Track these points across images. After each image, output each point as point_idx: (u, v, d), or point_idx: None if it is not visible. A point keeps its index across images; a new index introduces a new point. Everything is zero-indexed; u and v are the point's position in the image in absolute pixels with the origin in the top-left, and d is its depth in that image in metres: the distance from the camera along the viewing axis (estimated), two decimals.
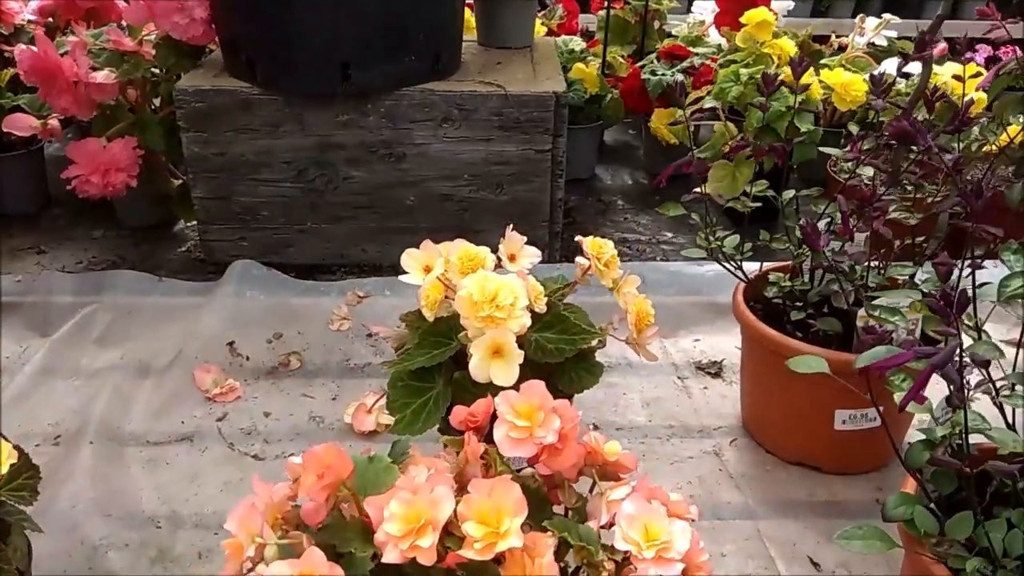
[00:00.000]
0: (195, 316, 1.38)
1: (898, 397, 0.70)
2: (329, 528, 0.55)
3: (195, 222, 1.70)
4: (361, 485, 0.57)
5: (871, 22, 2.08)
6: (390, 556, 0.51)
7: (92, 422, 1.14)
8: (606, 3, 2.28)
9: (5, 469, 0.65)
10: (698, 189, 1.57)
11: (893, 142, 0.86)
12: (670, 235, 1.83)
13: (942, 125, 0.99)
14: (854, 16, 4.36)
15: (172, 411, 1.19)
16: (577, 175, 2.06)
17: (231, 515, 0.56)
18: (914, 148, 1.09)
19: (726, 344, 1.36)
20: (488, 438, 0.66)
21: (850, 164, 1.04)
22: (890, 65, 1.90)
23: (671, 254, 1.75)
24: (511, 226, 0.99)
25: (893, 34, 2.10)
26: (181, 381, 1.24)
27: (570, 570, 0.58)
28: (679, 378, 1.30)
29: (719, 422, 1.19)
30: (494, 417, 0.67)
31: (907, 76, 1.82)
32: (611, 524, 0.61)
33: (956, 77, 1.69)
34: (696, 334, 1.40)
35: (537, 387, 0.63)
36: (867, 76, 1.84)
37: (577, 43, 2.24)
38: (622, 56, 2.24)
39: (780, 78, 1.10)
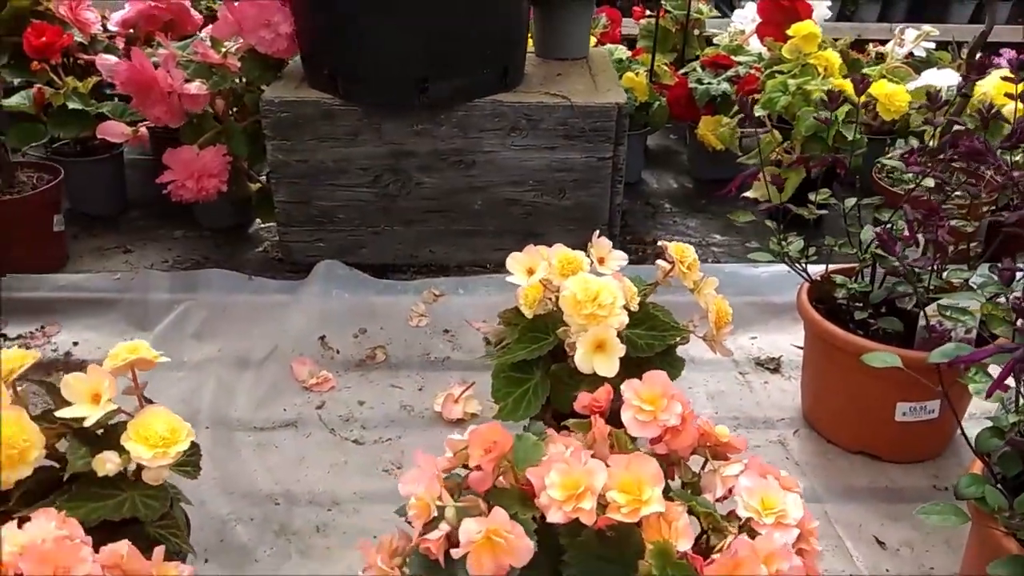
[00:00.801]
0: (285, 312, 1.47)
1: (974, 387, 0.78)
2: (494, 494, 0.64)
3: (273, 223, 1.80)
4: (516, 458, 0.66)
5: (910, 34, 2.15)
6: (554, 517, 0.60)
7: (203, 409, 1.25)
8: (651, 13, 2.37)
9: (186, 445, 0.75)
10: (748, 194, 1.67)
11: (956, 159, 0.94)
12: (719, 238, 1.92)
13: (996, 141, 1.08)
14: (880, 20, 4.44)
15: (274, 400, 1.29)
16: (626, 179, 2.14)
17: (404, 481, 0.65)
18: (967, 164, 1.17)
19: (782, 342, 1.45)
20: (606, 421, 0.75)
21: (909, 175, 1.12)
22: (929, 76, 1.97)
23: (721, 256, 1.83)
24: (598, 232, 1.08)
25: (931, 45, 2.17)
26: (279, 373, 1.34)
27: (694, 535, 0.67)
28: (740, 373, 1.38)
29: (781, 414, 1.27)
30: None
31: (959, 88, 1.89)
32: (725, 497, 0.70)
33: (1009, 96, 1.76)
34: (753, 332, 1.49)
35: (659, 377, 0.72)
36: (909, 88, 1.92)
37: (622, 52, 2.33)
38: (665, 64, 2.33)
39: (844, 95, 1.19)
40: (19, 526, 0.62)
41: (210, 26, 1.88)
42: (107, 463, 0.72)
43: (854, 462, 1.17)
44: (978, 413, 1.18)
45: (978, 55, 1.71)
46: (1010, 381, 0.81)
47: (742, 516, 0.65)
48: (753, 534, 0.63)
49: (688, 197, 2.15)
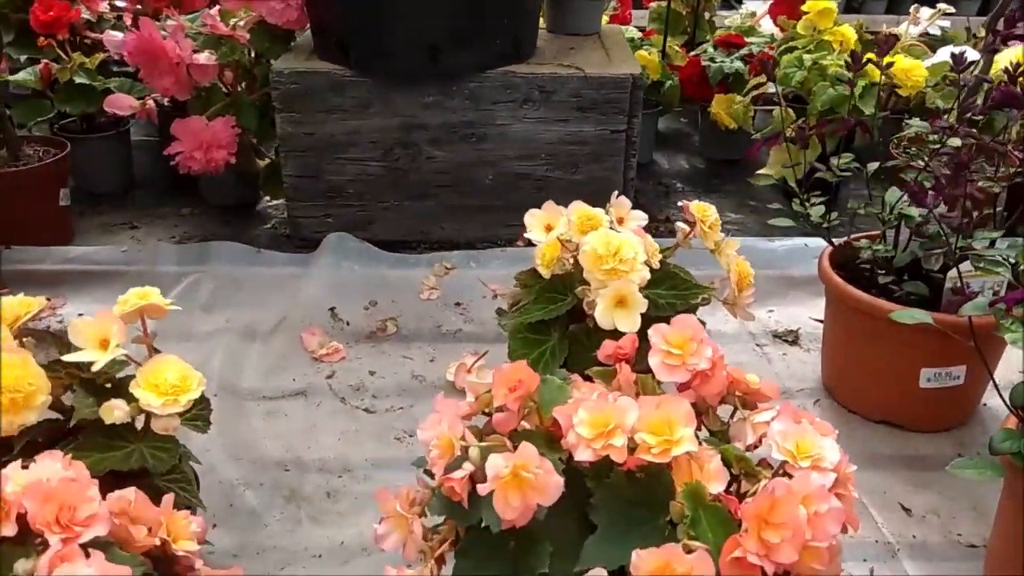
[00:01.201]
0: (295, 285, 1.45)
1: (1009, 337, 0.76)
2: (518, 436, 0.61)
3: (280, 200, 1.78)
4: (542, 400, 0.64)
5: (925, 12, 2.12)
6: (583, 455, 0.58)
7: (212, 378, 1.22)
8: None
9: (197, 394, 0.72)
10: (763, 171, 1.64)
11: (987, 113, 0.92)
12: (733, 216, 1.89)
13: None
14: (887, 13, 4.40)
15: (283, 370, 1.26)
16: (638, 159, 2.12)
17: (423, 427, 0.63)
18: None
19: (800, 314, 1.42)
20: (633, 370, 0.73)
21: (935, 136, 1.09)
22: (945, 52, 1.94)
23: (735, 233, 1.80)
24: (617, 192, 1.05)
25: (947, 23, 2.15)
26: (288, 343, 1.32)
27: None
28: (757, 345, 1.36)
29: (801, 384, 1.25)
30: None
31: (972, 64, 1.86)
32: (756, 445, 0.68)
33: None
34: (770, 305, 1.46)
35: (689, 320, 0.70)
36: (925, 64, 1.90)
37: (634, 32, 2.31)
38: (676, 46, 2.30)
39: (867, 56, 1.16)
40: (24, 467, 0.60)
41: (217, 6, 1.86)
42: (115, 410, 0.70)
43: (877, 431, 1.14)
44: (1003, 383, 1.15)
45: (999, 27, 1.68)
46: None
47: (776, 460, 0.62)
48: (789, 479, 0.60)
49: (700, 177, 2.13)
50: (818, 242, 1.23)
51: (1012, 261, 0.83)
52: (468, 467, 0.58)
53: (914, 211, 1.04)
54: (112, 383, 0.78)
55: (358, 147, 1.61)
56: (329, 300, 1.42)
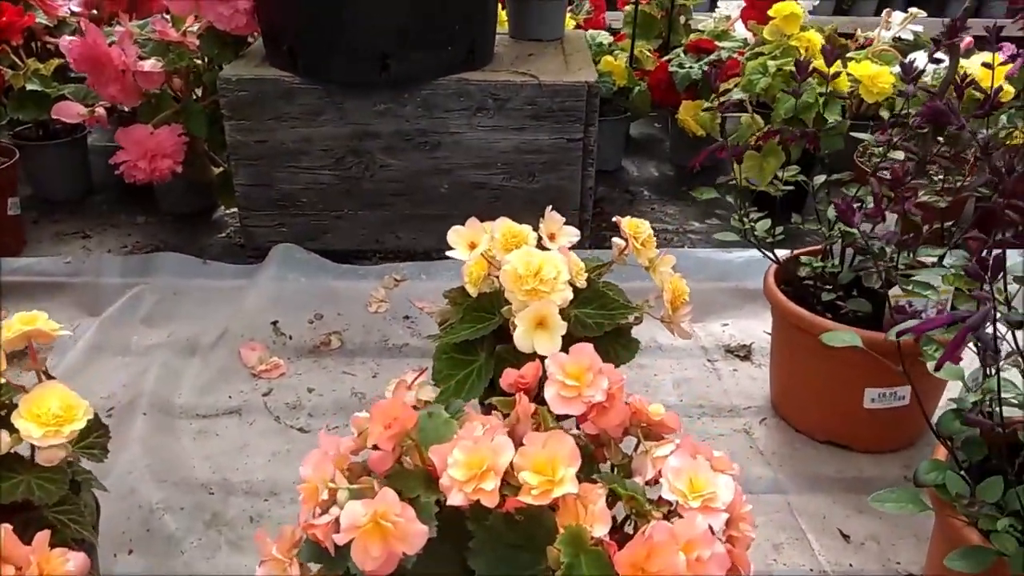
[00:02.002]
0: (239, 297, 1.42)
1: (931, 366, 0.73)
2: (395, 476, 0.58)
3: (235, 208, 1.75)
4: (423, 438, 0.60)
5: (897, 16, 2.10)
6: (455, 499, 0.55)
7: (144, 395, 1.19)
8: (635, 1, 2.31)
9: (82, 424, 0.69)
10: (727, 177, 1.61)
11: (924, 126, 0.89)
12: (697, 224, 1.86)
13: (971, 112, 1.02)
14: (877, 14, 4.37)
15: (220, 386, 1.23)
16: (605, 167, 2.10)
17: (304, 462, 0.60)
18: (942, 135, 1.11)
19: (754, 328, 1.39)
20: (536, 400, 0.70)
21: (880, 149, 1.06)
22: (917, 58, 1.91)
23: (698, 243, 1.78)
24: (550, 207, 1.02)
25: (920, 28, 2.12)
26: (227, 358, 1.29)
27: (618, 520, 0.62)
28: (709, 360, 1.33)
29: (749, 402, 1.22)
30: (541, 382, 0.70)
31: (938, 62, 1.84)
32: (656, 480, 0.64)
33: (985, 65, 1.70)
34: (725, 319, 1.43)
35: (586, 349, 0.67)
36: (895, 67, 1.87)
37: (604, 37, 2.28)
38: (648, 50, 2.27)
39: (812, 65, 1.13)
40: None
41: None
42: None
43: (822, 452, 1.11)
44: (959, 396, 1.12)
45: (965, 37, 1.65)
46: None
47: (669, 499, 0.59)
48: (679, 519, 0.57)
49: (668, 184, 2.10)
50: (781, 252, 1.20)
51: (937, 286, 0.80)
52: (335, 511, 0.55)
53: (854, 229, 1.01)
54: (6, 409, 0.75)
55: (310, 155, 1.58)
56: (272, 313, 1.39)
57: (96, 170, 1.99)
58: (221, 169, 1.74)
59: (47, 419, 0.68)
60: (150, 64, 1.51)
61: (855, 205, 1.07)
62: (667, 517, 0.59)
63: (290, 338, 1.34)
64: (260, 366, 1.27)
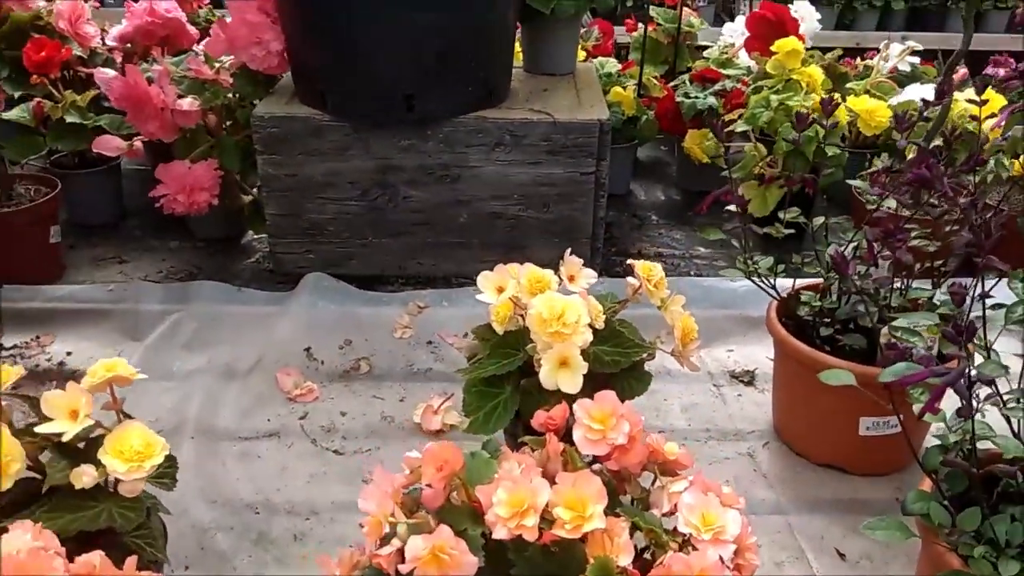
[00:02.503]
0: (273, 324, 1.51)
1: (916, 407, 0.81)
2: (446, 511, 0.67)
3: (265, 235, 1.84)
4: (468, 476, 0.69)
5: (895, 48, 2.18)
6: (499, 533, 0.63)
7: (190, 419, 1.28)
8: (641, 26, 2.40)
9: (160, 460, 0.78)
10: (731, 207, 1.70)
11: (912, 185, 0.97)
12: (703, 250, 1.95)
13: (960, 160, 1.11)
14: (878, 28, 4.45)
15: (259, 410, 1.32)
16: (613, 191, 2.18)
17: (363, 497, 0.69)
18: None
19: (758, 354, 1.48)
20: (564, 438, 0.79)
21: (873, 198, 1.15)
22: (912, 91, 2.00)
23: (704, 268, 1.86)
24: (569, 250, 1.11)
25: (916, 60, 2.20)
26: (264, 383, 1.38)
27: (638, 548, 0.70)
28: (715, 386, 1.41)
29: (752, 427, 1.30)
30: (568, 422, 0.79)
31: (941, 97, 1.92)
32: (672, 512, 0.73)
33: (971, 102, 1.79)
34: (729, 345, 1.52)
35: (609, 396, 0.76)
36: (891, 103, 1.95)
37: (612, 65, 2.36)
38: (655, 77, 2.36)
39: (812, 116, 1.22)
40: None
41: (205, 41, 1.92)
42: (84, 476, 0.75)
43: (820, 475, 1.20)
44: (943, 429, 1.21)
45: (959, 69, 1.74)
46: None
47: (683, 532, 0.68)
48: (693, 549, 0.66)
49: (675, 209, 2.18)
50: (783, 283, 1.28)
51: (923, 332, 0.88)
52: (396, 543, 0.64)
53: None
54: (85, 443, 0.84)
55: (337, 187, 1.67)
56: (305, 339, 1.48)
57: (129, 193, 2.09)
58: (251, 197, 1.83)
59: (130, 455, 0.77)
60: (188, 103, 1.61)
61: (852, 246, 1.17)
62: (682, 547, 0.68)
63: (322, 363, 1.43)
64: (295, 391, 1.36)
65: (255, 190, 1.83)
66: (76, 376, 1.21)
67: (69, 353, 1.49)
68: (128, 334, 1.52)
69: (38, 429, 0.77)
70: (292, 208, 1.68)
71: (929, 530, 0.83)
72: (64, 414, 0.77)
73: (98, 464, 0.77)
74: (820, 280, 1.25)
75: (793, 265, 1.23)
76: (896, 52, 2.14)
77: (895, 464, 1.20)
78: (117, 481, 0.79)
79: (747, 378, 1.43)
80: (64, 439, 0.76)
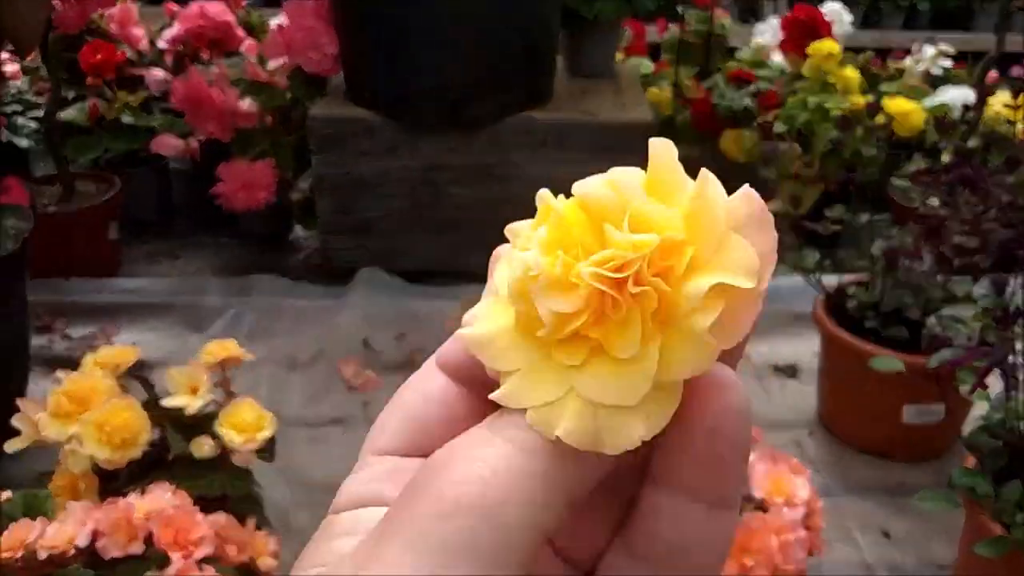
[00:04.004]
0: (331, 316, 1.58)
1: (964, 388, 0.87)
2: None
3: (313, 231, 1.90)
4: None
5: (927, 51, 2.23)
6: None
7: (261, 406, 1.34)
8: (672, 27, 2.46)
9: (270, 432, 0.85)
10: (769, 205, 1.76)
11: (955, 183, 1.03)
12: None
13: (995, 160, 1.16)
14: (904, 28, 4.48)
15: (322, 398, 1.39)
16: None
17: None
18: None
19: (800, 348, 1.53)
20: None
21: (915, 195, 1.20)
22: (946, 93, 2.05)
23: None
24: None
25: (948, 63, 2.25)
26: (326, 372, 1.44)
27: None
28: (758, 378, 1.47)
29: (798, 416, 1.36)
30: None
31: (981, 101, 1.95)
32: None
33: (1007, 106, 1.84)
34: (772, 339, 1.57)
35: None
36: (925, 105, 2.00)
37: (647, 66, 2.42)
38: (687, 79, 2.41)
39: (858, 117, 1.27)
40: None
41: (247, 41, 1.99)
42: (204, 446, 0.82)
43: (865, 461, 1.25)
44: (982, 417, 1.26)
45: (991, 72, 1.78)
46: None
47: (756, 497, 0.73)
48: (766, 511, 0.72)
49: None
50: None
51: (967, 320, 0.94)
52: None
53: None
54: (195, 418, 0.91)
55: (387, 185, 1.73)
56: (362, 331, 1.54)
57: (175, 194, 2.16)
58: (300, 196, 1.89)
59: (244, 428, 0.84)
60: (247, 104, 1.67)
61: (893, 243, 1.22)
62: (755, 510, 0.74)
63: (380, 354, 1.50)
64: (356, 380, 1.42)
65: (303, 187, 1.90)
66: (144, 366, 1.28)
67: (134, 344, 1.55)
68: (191, 326, 1.59)
69: (164, 402, 0.83)
70: (343, 205, 1.75)
71: (973, 502, 0.88)
72: (185, 389, 0.84)
73: (214, 436, 0.84)
74: (863, 276, 1.30)
75: (841, 259, 1.29)
76: (929, 55, 2.18)
77: (935, 451, 1.26)
78: (228, 453, 0.85)
79: (790, 371, 1.48)
80: (187, 412, 0.82)
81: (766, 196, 1.31)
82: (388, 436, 0.23)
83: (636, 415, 0.21)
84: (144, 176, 2.07)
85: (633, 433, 0.21)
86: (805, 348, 1.52)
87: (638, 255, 0.22)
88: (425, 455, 0.22)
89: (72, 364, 0.98)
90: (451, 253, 1.79)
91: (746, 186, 0.23)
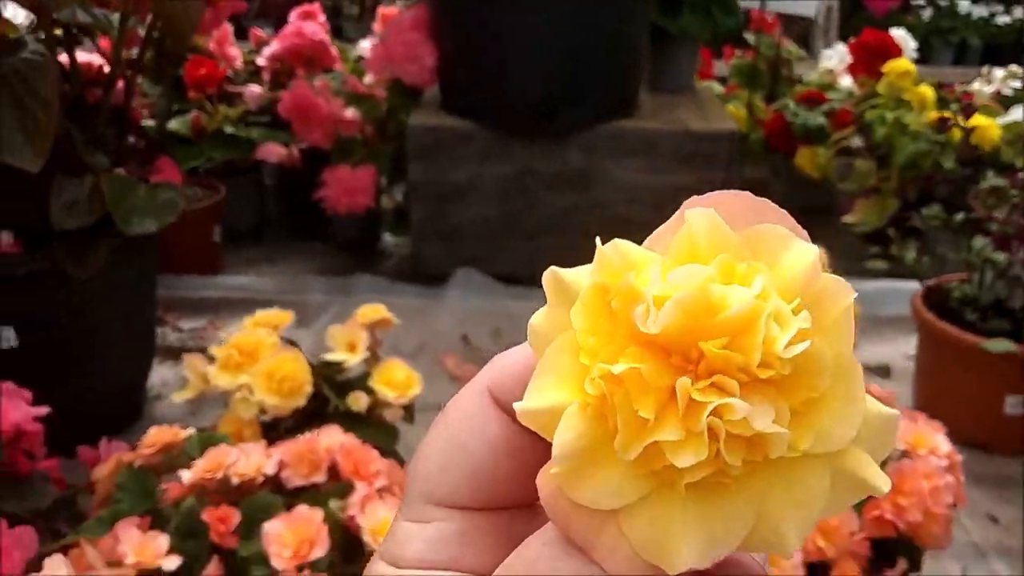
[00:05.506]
0: (429, 314, 1.64)
1: None
2: None
3: (401, 237, 1.98)
4: None
5: (998, 73, 2.27)
6: None
7: None
8: (740, 54, 2.53)
9: (418, 391, 0.91)
10: (846, 219, 1.80)
11: None
12: None
13: None
14: (955, 64, 4.51)
15: (428, 387, 1.43)
16: None
17: None
18: None
19: (889, 350, 1.56)
20: None
21: (1015, 192, 1.24)
22: (1018, 112, 2.08)
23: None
24: None
25: (1018, 84, 2.29)
26: (429, 364, 1.50)
27: None
28: None
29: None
30: None
31: None
32: None
33: None
34: (863, 342, 1.61)
35: None
36: (999, 122, 2.04)
37: (718, 88, 2.49)
38: (757, 100, 2.48)
39: (951, 122, 1.32)
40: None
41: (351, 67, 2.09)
42: (361, 400, 0.88)
43: (965, 453, 1.27)
44: None
45: None
46: None
47: (900, 448, 0.77)
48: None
49: None
50: (900, 285, 1.38)
51: None
52: None
53: (999, 256, 1.19)
54: (346, 378, 0.97)
55: (479, 191, 1.80)
56: (460, 328, 1.60)
57: (269, 203, 2.25)
58: (392, 204, 1.97)
59: (396, 385, 0.90)
60: (350, 113, 1.76)
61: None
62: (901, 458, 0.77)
63: (479, 349, 1.55)
64: (458, 371, 1.48)
65: (397, 196, 1.98)
66: None
67: None
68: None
69: (326, 356, 0.90)
70: (437, 211, 1.82)
71: None
72: (343, 347, 0.90)
73: (367, 392, 0.90)
74: (955, 276, 1.34)
75: (941, 255, 1.33)
76: (1000, 76, 2.22)
77: None
78: (378, 408, 0.91)
79: (883, 372, 1.51)
80: (347, 365, 0.88)
81: (842, 209, 1.36)
82: (450, 488, 0.21)
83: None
84: (241, 186, 2.16)
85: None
86: (896, 351, 1.55)
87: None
88: (491, 508, 0.21)
89: (182, 355, 1.03)
90: (541, 258, 1.84)
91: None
